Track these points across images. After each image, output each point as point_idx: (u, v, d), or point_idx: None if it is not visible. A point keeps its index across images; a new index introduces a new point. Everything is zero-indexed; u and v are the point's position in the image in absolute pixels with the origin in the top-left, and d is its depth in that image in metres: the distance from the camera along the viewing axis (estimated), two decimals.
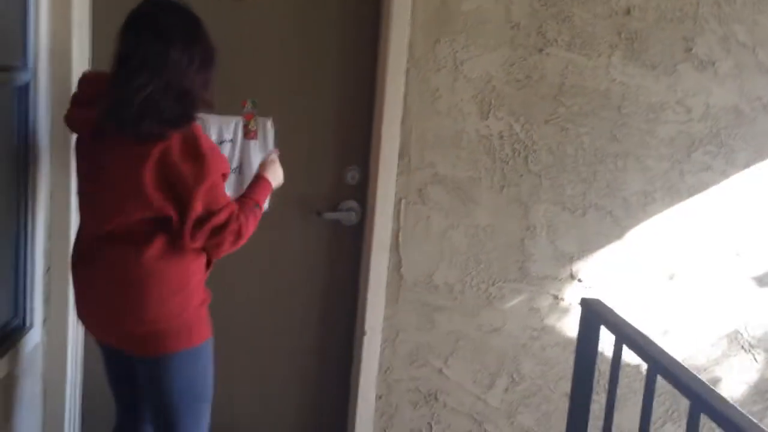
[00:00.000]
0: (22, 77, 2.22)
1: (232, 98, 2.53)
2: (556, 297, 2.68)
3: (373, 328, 2.62)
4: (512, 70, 2.51)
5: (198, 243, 1.86)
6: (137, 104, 1.77)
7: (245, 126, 2.53)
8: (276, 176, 2.13)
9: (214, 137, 2.51)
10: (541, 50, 2.51)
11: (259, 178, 2.09)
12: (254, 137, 2.53)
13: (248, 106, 2.53)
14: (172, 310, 1.89)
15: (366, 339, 2.63)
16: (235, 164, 2.54)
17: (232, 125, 2.52)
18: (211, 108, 2.01)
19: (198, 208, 1.81)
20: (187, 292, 1.91)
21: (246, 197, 2.01)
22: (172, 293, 1.88)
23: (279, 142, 2.55)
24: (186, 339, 1.93)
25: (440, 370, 2.70)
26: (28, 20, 2.22)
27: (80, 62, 2.39)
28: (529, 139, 2.56)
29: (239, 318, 2.68)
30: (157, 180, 1.80)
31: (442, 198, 2.57)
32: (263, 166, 2.16)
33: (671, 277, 2.72)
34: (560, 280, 2.67)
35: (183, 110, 1.83)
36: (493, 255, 2.63)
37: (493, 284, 2.65)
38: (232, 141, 2.53)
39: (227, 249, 1.92)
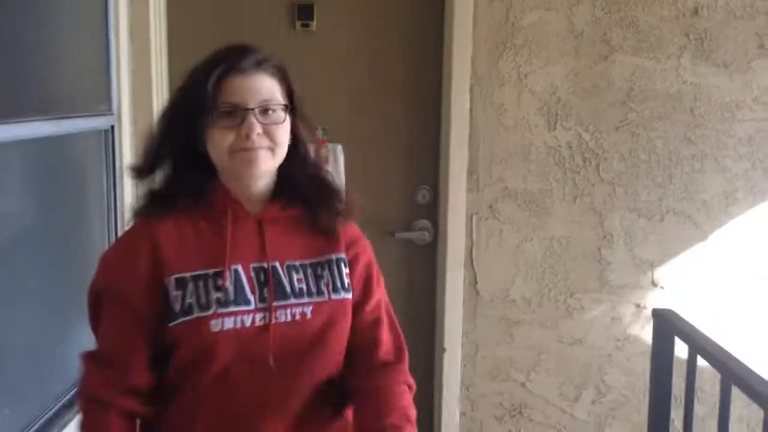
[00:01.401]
0: (107, 121, 2.36)
1: None
2: (638, 305, 2.62)
3: (452, 345, 2.63)
4: (578, 80, 2.49)
5: None
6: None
7: (317, 152, 2.60)
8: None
9: None
10: (606, 57, 2.48)
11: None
12: (326, 163, 2.60)
13: (319, 132, 2.60)
14: None
15: (446, 356, 2.64)
16: None
17: None
18: None
19: None
20: None
21: None
22: None
23: (350, 166, 2.62)
24: None
25: (523, 384, 2.68)
26: (111, 68, 2.36)
27: (160, 106, 2.52)
28: (599, 147, 2.53)
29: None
30: None
31: (513, 212, 2.57)
32: None
33: (761, 278, 2.63)
34: (641, 288, 2.61)
35: None
36: (570, 266, 2.60)
37: (571, 295, 2.62)
38: None
39: None
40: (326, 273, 1.37)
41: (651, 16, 2.45)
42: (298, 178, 1.38)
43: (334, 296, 1.36)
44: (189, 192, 1.34)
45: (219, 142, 1.30)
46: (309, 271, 1.36)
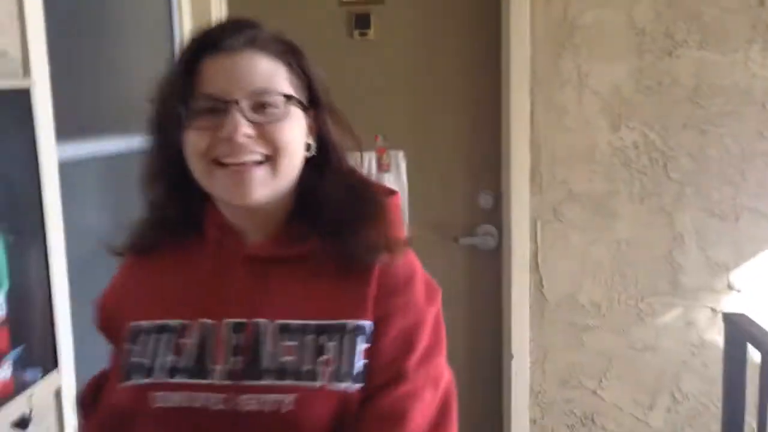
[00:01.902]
0: None
1: (364, 133, 2.64)
2: (713, 310, 2.53)
3: (519, 350, 2.60)
4: (641, 78, 2.44)
5: None
6: None
7: (378, 160, 2.63)
8: None
9: None
10: (670, 53, 2.42)
11: None
12: (388, 170, 2.63)
13: (380, 140, 2.64)
14: None
15: (514, 362, 2.61)
16: None
17: (366, 160, 2.63)
18: None
19: None
20: None
21: None
22: None
23: (412, 173, 2.64)
24: None
25: (594, 392, 2.62)
26: None
27: None
28: (666, 146, 2.46)
29: None
30: None
31: (578, 214, 2.52)
32: None
33: None
34: (717, 291, 2.52)
35: None
36: (640, 269, 2.53)
37: (642, 299, 2.54)
38: (369, 175, 2.64)
39: None
40: (332, 345, 0.91)
41: (716, 8, 2.38)
42: (328, 193, 0.99)
43: (331, 385, 0.90)
44: (175, 220, 1.03)
45: (191, 149, 0.93)
46: (309, 337, 0.92)
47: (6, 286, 1.45)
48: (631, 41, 2.43)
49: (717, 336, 2.54)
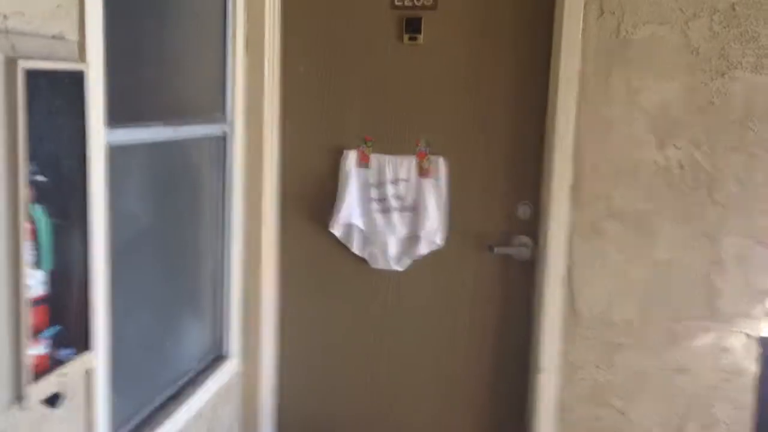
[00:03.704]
0: (221, 129, 2.49)
1: (406, 138, 2.65)
2: (749, 336, 2.47)
3: (548, 365, 2.57)
4: (692, 97, 2.40)
5: None
6: None
7: (419, 165, 2.63)
8: None
9: (391, 176, 2.64)
10: (723, 74, 2.38)
11: None
12: (428, 175, 2.62)
13: (422, 145, 2.63)
14: None
15: (542, 377, 2.58)
16: (410, 202, 2.64)
17: (407, 165, 2.63)
18: None
19: None
20: None
21: None
22: None
23: (452, 180, 2.63)
24: None
25: (623, 412, 2.58)
26: (227, 79, 2.49)
27: (270, 115, 2.63)
28: (713, 167, 2.42)
29: (414, 349, 2.75)
30: None
31: (617, 231, 2.49)
32: None
33: None
34: (754, 318, 2.46)
35: None
36: (676, 291, 2.49)
37: (677, 321, 2.50)
38: (407, 180, 2.64)
39: None
40: None
41: None
42: None
43: None
44: None
45: None
46: None
47: (50, 266, 1.48)
48: (684, 60, 2.39)
49: (751, 363, 2.49)
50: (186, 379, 2.36)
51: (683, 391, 2.54)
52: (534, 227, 2.59)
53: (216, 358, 2.58)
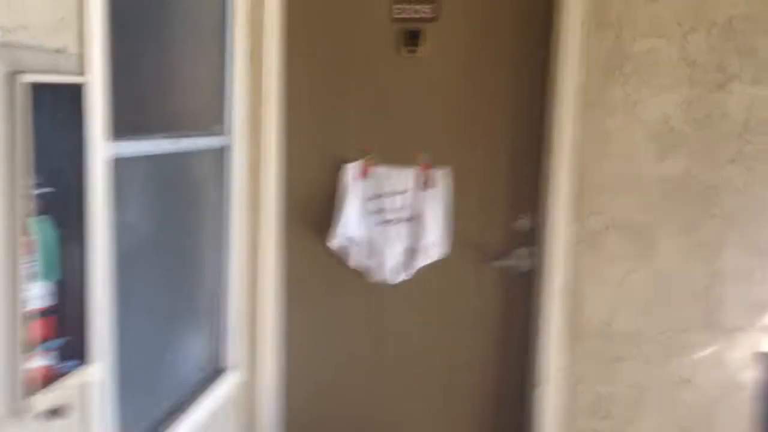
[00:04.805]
0: (221, 141, 2.49)
1: (406, 150, 2.65)
2: (750, 349, 2.47)
3: (550, 377, 2.57)
4: (690, 110, 2.41)
5: None
6: None
7: (419, 177, 2.64)
8: None
9: (390, 188, 2.65)
10: (722, 87, 2.39)
11: None
12: (428, 188, 2.63)
13: (423, 157, 2.64)
14: None
15: (542, 388, 2.58)
16: (410, 214, 2.65)
17: (407, 177, 2.64)
18: None
19: None
20: None
21: None
22: None
23: (453, 191, 2.64)
24: None
25: (624, 424, 2.57)
26: (226, 92, 2.50)
27: (270, 128, 2.64)
28: (711, 180, 2.42)
29: (414, 362, 2.75)
30: None
31: (617, 243, 2.50)
32: None
33: None
34: (754, 330, 2.46)
35: None
36: (677, 303, 2.49)
37: (677, 334, 2.50)
38: (407, 192, 2.64)
39: None
40: None
41: None
42: None
43: None
44: None
45: None
46: None
47: (57, 276, 1.48)
48: (682, 72, 2.40)
49: (752, 375, 2.48)
50: (188, 390, 2.36)
51: (685, 404, 2.53)
52: (534, 239, 2.60)
53: (217, 369, 2.58)
